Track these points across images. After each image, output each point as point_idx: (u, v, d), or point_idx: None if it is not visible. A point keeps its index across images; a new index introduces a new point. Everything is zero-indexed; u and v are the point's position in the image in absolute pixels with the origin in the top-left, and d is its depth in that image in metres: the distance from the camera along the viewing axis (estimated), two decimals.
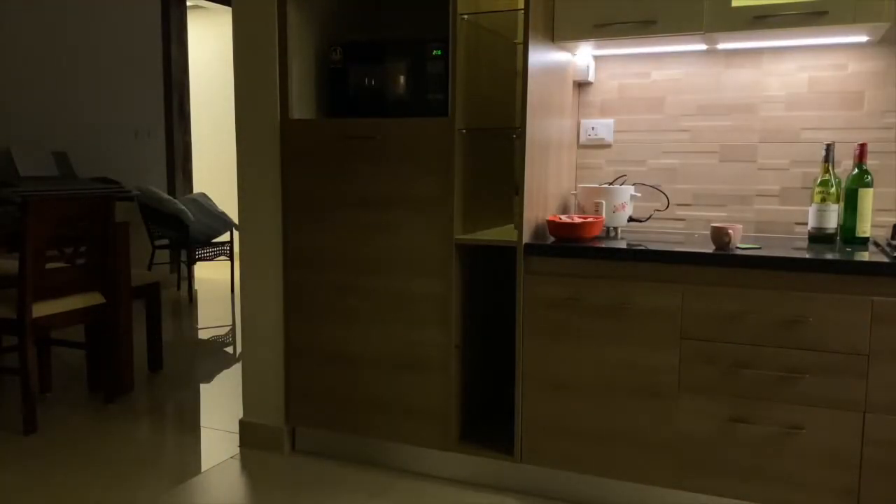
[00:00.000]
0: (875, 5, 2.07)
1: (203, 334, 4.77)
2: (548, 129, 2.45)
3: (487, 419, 2.69)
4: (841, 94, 2.45)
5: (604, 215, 2.46)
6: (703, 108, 2.61)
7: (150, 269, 5.67)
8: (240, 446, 2.84)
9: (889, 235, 2.33)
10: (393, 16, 2.94)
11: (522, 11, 2.30)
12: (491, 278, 2.69)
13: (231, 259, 6.15)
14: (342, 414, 2.64)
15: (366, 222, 2.52)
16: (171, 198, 5.64)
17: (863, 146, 2.30)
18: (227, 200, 7.16)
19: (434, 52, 2.45)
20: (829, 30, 2.20)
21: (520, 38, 2.78)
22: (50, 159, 4.87)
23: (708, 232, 2.59)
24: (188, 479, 2.58)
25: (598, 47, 2.58)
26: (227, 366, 3.99)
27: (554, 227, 2.36)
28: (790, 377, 2.07)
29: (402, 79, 2.52)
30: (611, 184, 2.66)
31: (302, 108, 2.66)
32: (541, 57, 2.34)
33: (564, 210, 2.69)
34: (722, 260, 2.10)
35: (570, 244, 2.28)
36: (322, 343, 2.65)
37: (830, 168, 2.34)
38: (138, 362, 3.87)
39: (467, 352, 2.54)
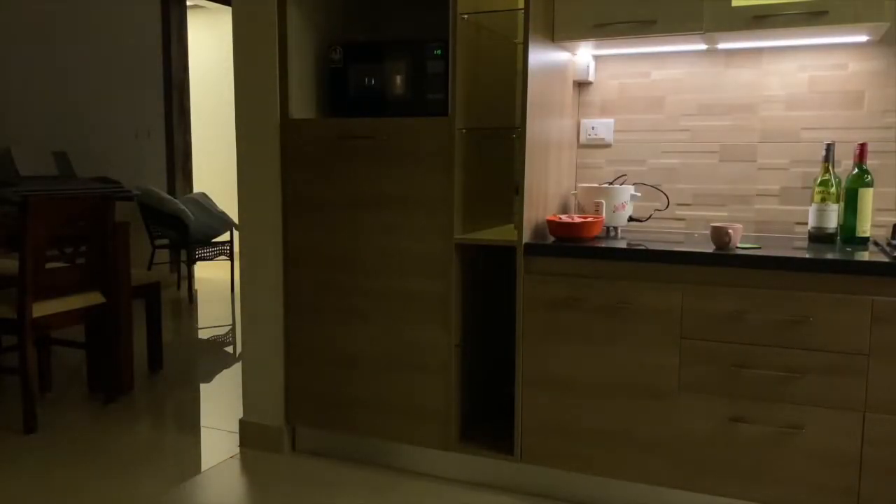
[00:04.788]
0: (875, 5, 2.07)
1: (203, 334, 4.77)
2: (548, 128, 2.45)
3: (487, 419, 2.69)
4: (841, 94, 2.45)
5: (604, 215, 2.46)
6: (703, 108, 2.61)
7: (150, 269, 5.67)
8: (240, 446, 2.84)
9: (889, 235, 2.33)
10: (393, 16, 2.94)
11: (522, 11, 2.30)
12: (491, 278, 2.69)
13: (231, 259, 6.15)
14: (342, 414, 2.64)
15: (366, 222, 2.52)
16: (171, 198, 5.64)
17: (863, 146, 2.30)
18: (227, 200, 7.16)
19: (434, 51, 2.45)
20: (829, 30, 2.20)
21: (520, 38, 2.78)
22: (50, 159, 4.87)
23: (708, 232, 2.59)
24: (188, 478, 2.58)
25: (598, 47, 2.58)
26: (227, 366, 3.99)
27: (554, 226, 2.36)
28: (790, 377, 2.07)
29: (402, 79, 2.52)
30: (611, 183, 2.66)
31: (302, 108, 2.66)
32: (541, 57, 2.34)
33: (564, 210, 2.69)
34: (722, 260, 2.10)
35: (570, 244, 2.28)
36: (322, 343, 2.65)
37: (830, 168, 2.34)
38: (138, 362, 3.87)
39: (467, 352, 2.54)
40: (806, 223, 2.48)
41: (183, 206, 5.59)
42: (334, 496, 2.44)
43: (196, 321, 5.16)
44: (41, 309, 2.99)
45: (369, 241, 2.53)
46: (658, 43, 2.47)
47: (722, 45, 2.52)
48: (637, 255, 2.19)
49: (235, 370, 3.89)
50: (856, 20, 2.10)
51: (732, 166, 2.59)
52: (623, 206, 2.49)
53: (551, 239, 2.37)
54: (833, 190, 2.32)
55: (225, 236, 7.67)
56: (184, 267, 6.28)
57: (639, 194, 2.58)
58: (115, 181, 5.03)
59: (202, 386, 3.65)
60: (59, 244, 3.11)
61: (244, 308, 2.78)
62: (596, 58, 2.71)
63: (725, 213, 2.61)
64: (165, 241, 5.82)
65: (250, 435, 2.82)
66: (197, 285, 6.45)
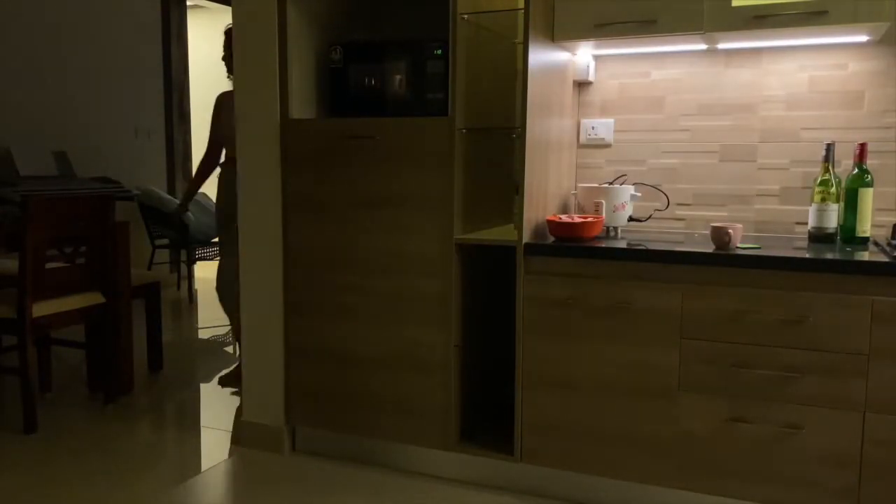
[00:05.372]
0: (875, 5, 2.07)
1: (203, 334, 4.77)
2: (548, 128, 2.45)
3: (487, 419, 2.69)
4: (841, 94, 2.45)
5: (604, 215, 2.46)
6: (703, 108, 2.61)
7: (150, 268, 5.67)
8: (240, 446, 2.84)
9: (889, 235, 2.33)
10: (393, 16, 2.94)
11: (522, 11, 2.30)
12: (491, 278, 2.69)
13: None
14: (342, 414, 2.64)
15: (366, 222, 2.52)
16: (171, 198, 5.64)
17: (863, 146, 2.30)
18: None
19: (434, 51, 2.45)
20: (829, 29, 2.20)
21: (520, 38, 2.78)
22: (50, 159, 4.87)
23: (708, 232, 2.59)
24: (188, 478, 2.58)
25: (598, 47, 2.58)
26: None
27: (554, 226, 2.36)
28: (790, 377, 2.07)
29: (402, 79, 2.52)
30: (611, 183, 2.66)
31: (302, 108, 2.66)
32: (541, 57, 2.34)
33: (564, 210, 2.69)
34: (722, 260, 2.10)
35: (570, 244, 2.28)
36: (322, 343, 2.65)
37: (830, 168, 2.34)
38: (138, 362, 3.86)
39: (467, 352, 2.54)
40: (806, 223, 2.48)
41: None
42: (334, 496, 2.44)
43: (196, 321, 5.16)
44: (41, 309, 2.99)
45: (369, 240, 2.52)
46: (658, 43, 2.47)
47: (722, 45, 2.52)
48: (637, 255, 2.19)
49: None
50: (856, 20, 2.09)
51: (732, 166, 2.59)
52: (623, 206, 2.49)
53: (551, 239, 2.37)
54: (833, 190, 2.32)
55: None
56: (184, 267, 6.27)
57: (639, 194, 2.58)
58: (115, 181, 5.03)
59: (202, 386, 3.65)
60: (59, 244, 3.11)
61: (244, 308, 2.78)
62: (596, 58, 2.71)
63: (725, 213, 2.61)
64: (165, 241, 5.82)
65: (250, 435, 2.82)
66: (197, 285, 6.45)
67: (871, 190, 2.28)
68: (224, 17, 7.65)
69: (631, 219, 2.56)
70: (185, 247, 5.71)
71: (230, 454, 2.78)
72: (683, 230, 2.66)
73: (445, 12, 2.37)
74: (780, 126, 2.53)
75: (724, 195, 2.61)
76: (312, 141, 2.58)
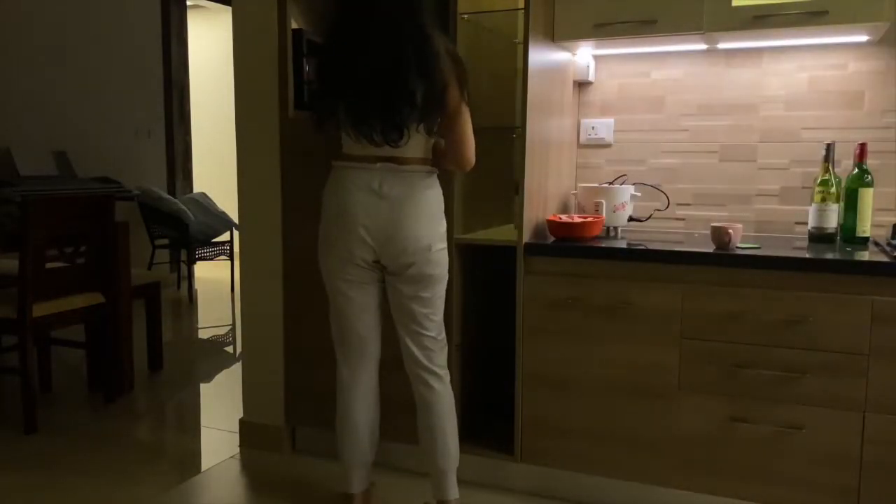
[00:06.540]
0: (875, 5, 2.07)
1: (203, 334, 4.77)
2: (548, 128, 2.45)
3: (487, 419, 2.69)
4: (841, 94, 2.45)
5: (604, 215, 2.46)
6: (703, 108, 2.61)
7: (150, 268, 5.67)
8: (240, 446, 2.84)
9: (889, 235, 2.33)
10: None
11: (522, 11, 2.30)
12: (491, 278, 2.69)
13: (231, 259, 6.15)
14: None
15: None
16: (171, 197, 5.64)
17: (863, 146, 2.30)
18: (227, 200, 7.15)
19: None
20: (829, 29, 2.20)
21: (520, 38, 2.78)
22: (50, 159, 4.87)
23: (708, 232, 2.59)
24: (188, 479, 2.58)
25: (599, 47, 2.58)
26: (227, 366, 3.99)
27: (554, 226, 2.36)
28: (790, 377, 2.07)
29: None
30: (611, 183, 2.66)
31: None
32: (541, 57, 2.34)
33: (564, 210, 2.69)
34: (722, 260, 2.10)
35: (570, 244, 2.28)
36: (322, 343, 2.64)
37: (830, 168, 2.34)
38: (138, 362, 3.86)
39: (467, 351, 2.54)
40: (806, 223, 2.48)
41: (183, 206, 5.59)
42: (334, 496, 2.44)
43: (196, 321, 5.16)
44: (41, 309, 2.99)
45: None
46: (658, 43, 2.47)
47: (722, 45, 2.52)
48: (637, 255, 2.19)
49: (235, 370, 3.89)
50: (856, 20, 2.10)
51: (732, 166, 2.59)
52: (623, 206, 2.49)
53: (551, 239, 2.37)
54: (833, 190, 2.32)
55: (225, 236, 7.66)
56: (184, 267, 6.28)
57: (639, 194, 2.58)
58: (115, 181, 5.03)
59: (202, 386, 3.65)
60: (59, 244, 3.11)
61: (244, 308, 2.78)
62: (596, 58, 2.71)
63: (725, 213, 2.61)
64: (165, 241, 5.82)
65: (250, 435, 2.82)
66: (197, 285, 6.45)
67: (871, 190, 2.28)
68: (224, 17, 7.66)
69: (631, 219, 2.56)
70: (185, 247, 5.71)
71: (230, 454, 2.78)
72: (683, 230, 2.66)
73: (445, 12, 2.37)
74: (780, 126, 2.53)
75: (724, 195, 2.61)
76: (312, 141, 2.57)
